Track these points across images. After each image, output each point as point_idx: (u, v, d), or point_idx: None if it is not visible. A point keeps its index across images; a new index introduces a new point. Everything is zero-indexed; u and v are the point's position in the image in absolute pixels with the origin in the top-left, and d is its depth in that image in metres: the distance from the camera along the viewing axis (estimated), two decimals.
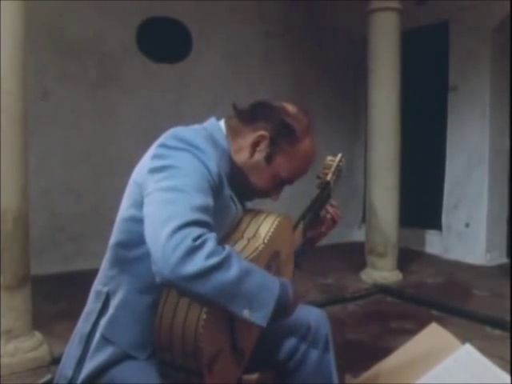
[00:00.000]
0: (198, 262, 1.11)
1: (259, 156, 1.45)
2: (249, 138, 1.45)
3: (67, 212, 4.75)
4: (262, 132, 1.44)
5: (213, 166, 1.32)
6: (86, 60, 4.83)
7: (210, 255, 1.13)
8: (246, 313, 1.18)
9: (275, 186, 1.51)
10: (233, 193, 1.46)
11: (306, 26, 6.05)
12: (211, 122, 1.51)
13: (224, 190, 1.38)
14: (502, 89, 5.24)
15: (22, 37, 2.65)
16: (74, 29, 4.70)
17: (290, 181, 1.51)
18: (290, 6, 5.91)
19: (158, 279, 1.15)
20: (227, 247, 1.20)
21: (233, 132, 1.48)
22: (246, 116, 1.49)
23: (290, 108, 1.49)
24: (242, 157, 1.46)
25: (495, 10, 4.97)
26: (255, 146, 1.45)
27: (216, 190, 1.33)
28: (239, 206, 1.49)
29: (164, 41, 5.22)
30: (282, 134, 1.44)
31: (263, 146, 1.44)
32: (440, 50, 5.51)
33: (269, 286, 1.24)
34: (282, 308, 1.29)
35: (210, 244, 1.14)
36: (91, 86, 4.85)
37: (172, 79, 5.19)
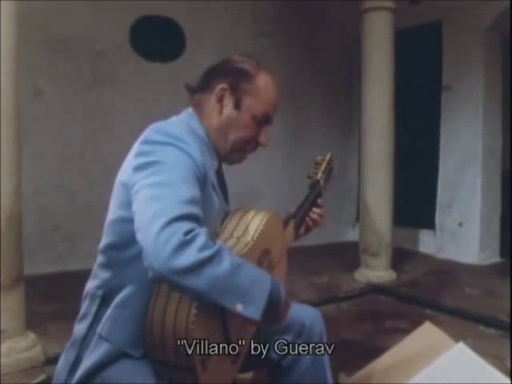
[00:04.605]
0: (189, 256, 1.12)
1: (228, 108, 1.49)
2: (212, 99, 1.50)
3: (60, 212, 4.73)
4: (220, 85, 1.48)
5: (197, 156, 1.33)
6: (80, 59, 4.81)
7: (201, 249, 1.14)
8: (239, 307, 1.19)
9: (257, 129, 1.53)
10: (217, 184, 1.48)
11: (299, 26, 6.04)
12: (184, 113, 1.55)
13: (209, 179, 1.40)
14: (495, 88, 5.27)
15: (14, 35, 2.63)
16: (68, 28, 4.68)
17: (266, 116, 1.53)
18: (284, 5, 5.90)
19: (150, 274, 1.16)
20: (218, 242, 1.22)
21: (199, 106, 1.54)
22: (201, 85, 1.54)
23: (234, 56, 1.55)
24: (214, 120, 1.51)
25: (488, 9, 4.98)
26: (220, 101, 1.49)
27: (202, 180, 1.35)
28: (222, 198, 1.50)
29: (157, 40, 5.21)
30: (238, 78, 1.49)
31: (227, 97, 1.49)
32: (433, 50, 5.52)
33: (260, 280, 1.26)
34: (274, 305, 1.30)
35: (202, 238, 1.15)
36: (84, 85, 4.83)
37: (165, 78, 5.18)
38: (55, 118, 4.68)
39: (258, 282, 1.25)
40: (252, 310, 1.22)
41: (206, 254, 1.14)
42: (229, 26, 5.57)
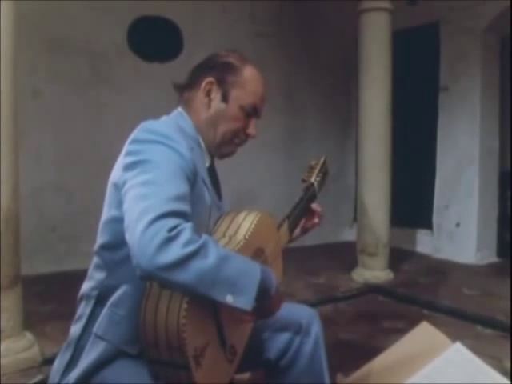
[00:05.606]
0: (174, 252, 1.13)
1: (216, 102, 1.51)
2: (200, 94, 1.52)
3: (58, 212, 4.73)
4: (207, 79, 1.51)
5: (186, 153, 1.34)
6: (78, 59, 4.81)
7: (186, 244, 1.14)
8: (229, 298, 1.19)
9: (245, 120, 1.54)
10: (210, 180, 1.49)
11: (298, 26, 6.05)
12: (174, 112, 1.56)
13: (199, 176, 1.40)
14: (493, 89, 5.28)
15: (12, 35, 2.64)
16: (66, 28, 4.68)
17: (254, 108, 1.54)
18: (282, 6, 5.91)
19: (137, 272, 1.17)
20: (204, 235, 1.21)
21: (188, 104, 1.55)
22: (189, 82, 1.57)
23: (219, 52, 1.58)
24: (203, 114, 1.52)
25: (486, 10, 4.99)
26: (208, 95, 1.51)
27: (192, 177, 1.35)
28: (214, 194, 1.51)
29: (155, 40, 5.21)
30: (224, 71, 1.51)
31: (214, 90, 1.51)
32: (431, 51, 5.53)
33: (249, 270, 1.25)
34: (266, 294, 1.30)
35: (186, 233, 1.16)
36: (82, 85, 4.83)
37: (163, 79, 5.13)
38: (53, 119, 4.68)
39: (247, 272, 1.24)
40: (243, 300, 1.21)
41: (191, 248, 1.14)
42: (227, 26, 5.57)
